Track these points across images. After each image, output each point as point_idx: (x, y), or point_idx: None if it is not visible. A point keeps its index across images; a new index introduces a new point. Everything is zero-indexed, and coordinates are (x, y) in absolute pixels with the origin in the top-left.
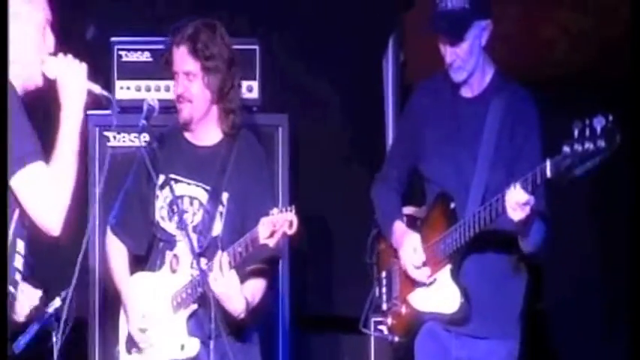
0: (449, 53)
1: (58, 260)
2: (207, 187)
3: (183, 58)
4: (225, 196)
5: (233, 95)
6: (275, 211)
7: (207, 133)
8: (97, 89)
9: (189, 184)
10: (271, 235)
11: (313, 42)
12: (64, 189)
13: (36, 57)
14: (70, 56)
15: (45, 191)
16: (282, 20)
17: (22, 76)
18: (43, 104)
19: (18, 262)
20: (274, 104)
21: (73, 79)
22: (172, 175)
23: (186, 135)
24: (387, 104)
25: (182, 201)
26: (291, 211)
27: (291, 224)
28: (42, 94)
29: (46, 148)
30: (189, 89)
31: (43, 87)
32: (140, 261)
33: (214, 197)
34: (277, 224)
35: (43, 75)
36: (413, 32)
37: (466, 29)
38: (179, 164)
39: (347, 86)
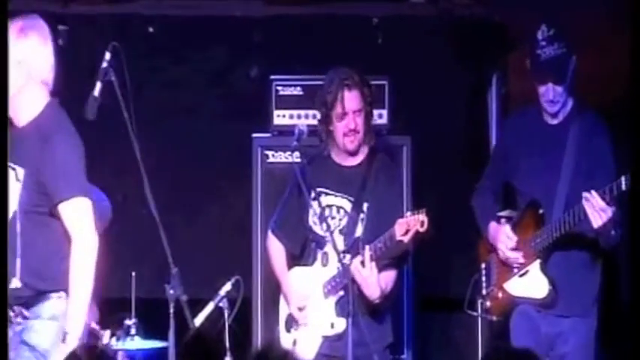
0: (551, 92)
1: (227, 251)
2: (351, 199)
3: (354, 100)
4: (365, 205)
5: (371, 124)
6: (409, 213)
7: (351, 155)
8: None
9: (336, 196)
10: (405, 233)
11: (432, 78)
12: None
13: None
14: None
15: (86, 222)
16: (406, 61)
17: None
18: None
19: None
20: (400, 128)
21: None
22: (323, 189)
23: (334, 157)
24: (490, 129)
25: (331, 209)
26: (422, 213)
27: (422, 223)
28: None
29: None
30: (359, 124)
31: None
32: (295, 258)
33: (357, 206)
34: (411, 224)
35: None
36: (513, 71)
37: (567, 72)
38: (328, 180)
39: (459, 114)
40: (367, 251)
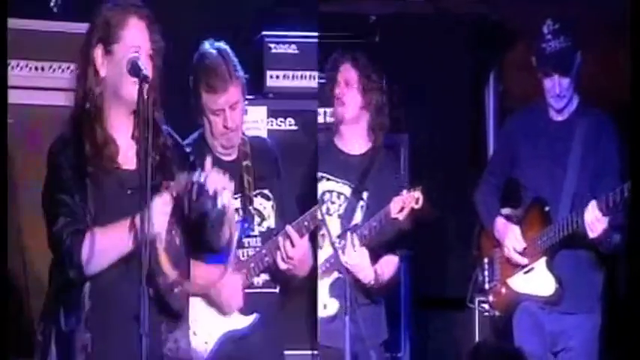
0: (557, 86)
1: None
2: (352, 186)
3: (348, 72)
4: (365, 194)
5: (381, 115)
6: (404, 191)
7: (356, 144)
8: None
9: (337, 181)
10: (401, 210)
11: (429, 76)
12: None
13: None
14: None
15: None
16: (403, 59)
17: None
18: None
19: None
20: (397, 126)
21: None
22: (325, 175)
23: (338, 144)
24: (488, 124)
25: (331, 195)
26: (418, 190)
27: (417, 200)
28: None
29: None
30: (346, 94)
31: None
32: None
33: (357, 193)
34: (406, 201)
35: None
36: (510, 69)
37: (573, 65)
38: (331, 166)
39: (456, 111)
40: (355, 237)
